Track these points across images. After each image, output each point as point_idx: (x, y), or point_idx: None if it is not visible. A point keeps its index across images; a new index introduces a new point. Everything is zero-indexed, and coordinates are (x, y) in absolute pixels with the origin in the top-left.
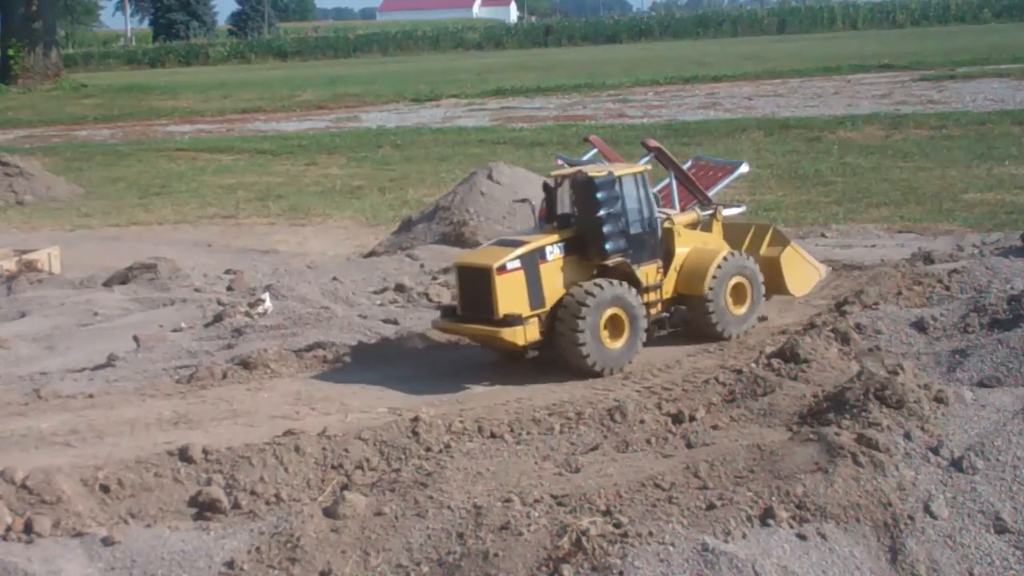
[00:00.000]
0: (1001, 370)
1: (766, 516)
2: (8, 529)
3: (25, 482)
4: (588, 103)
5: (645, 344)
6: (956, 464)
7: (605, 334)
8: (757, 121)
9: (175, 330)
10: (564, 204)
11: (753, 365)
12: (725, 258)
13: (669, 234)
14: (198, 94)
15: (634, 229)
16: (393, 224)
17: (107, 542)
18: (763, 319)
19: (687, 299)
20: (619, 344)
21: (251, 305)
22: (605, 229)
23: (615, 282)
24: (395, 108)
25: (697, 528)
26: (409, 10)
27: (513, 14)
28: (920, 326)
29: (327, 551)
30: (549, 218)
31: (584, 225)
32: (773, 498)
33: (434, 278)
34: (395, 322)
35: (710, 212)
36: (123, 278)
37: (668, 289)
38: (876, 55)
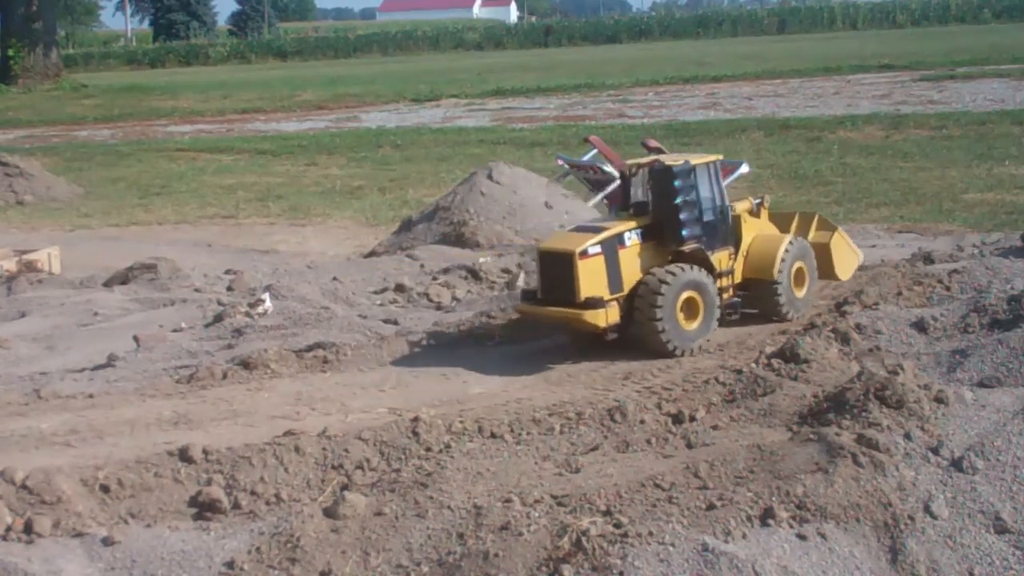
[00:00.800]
0: (1001, 370)
1: (766, 516)
2: (8, 529)
3: (25, 482)
4: (588, 103)
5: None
6: (956, 464)
7: (681, 316)
8: (757, 121)
9: (175, 330)
10: (638, 193)
11: (753, 365)
12: (791, 243)
13: (736, 221)
14: (198, 94)
15: (707, 216)
16: (393, 224)
17: (107, 542)
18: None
19: (755, 283)
20: (694, 326)
21: (251, 305)
22: (682, 216)
23: (690, 266)
24: (395, 108)
25: (697, 528)
26: (409, 10)
27: (513, 14)
28: (920, 326)
29: (327, 551)
30: (623, 206)
31: (661, 212)
32: (773, 498)
33: (434, 278)
34: (395, 322)
35: (758, 201)
36: (123, 278)
37: (737, 274)
38: (876, 55)
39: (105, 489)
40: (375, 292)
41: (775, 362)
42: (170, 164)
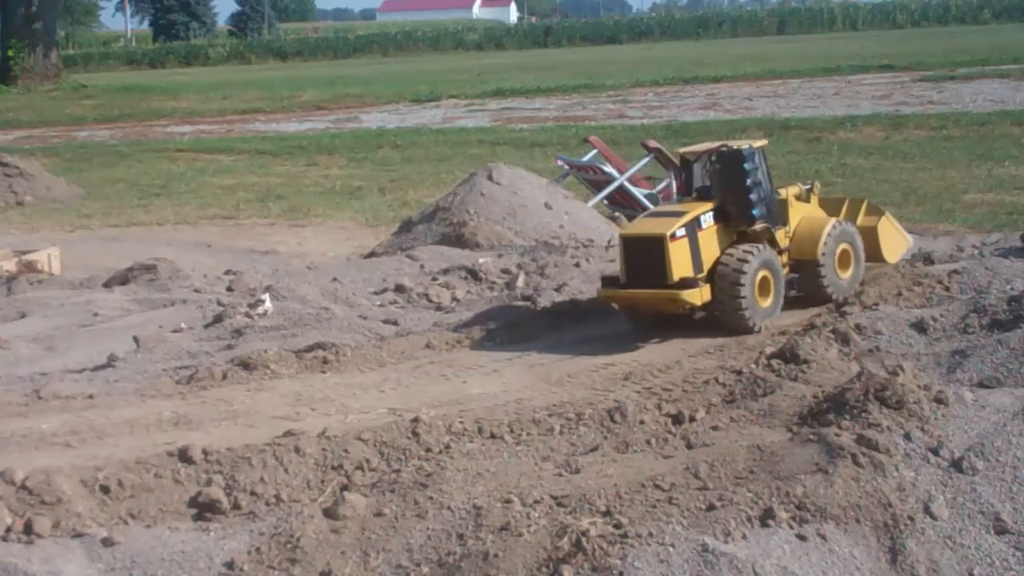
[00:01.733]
0: (1001, 371)
1: (766, 517)
2: (8, 530)
3: (25, 483)
4: (588, 104)
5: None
6: (956, 465)
7: (757, 294)
8: (757, 122)
9: (175, 331)
10: (702, 178)
11: (753, 366)
12: (835, 225)
13: (784, 204)
14: (198, 95)
15: (767, 197)
16: (393, 225)
17: (107, 543)
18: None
19: (800, 264)
20: (768, 302)
21: (251, 306)
22: (752, 197)
23: (763, 246)
24: (395, 109)
25: (697, 529)
26: (409, 11)
27: (513, 15)
28: (920, 327)
29: (327, 552)
30: (687, 191)
31: (729, 195)
32: (773, 499)
33: (434, 279)
34: (395, 323)
35: (808, 186)
36: (123, 279)
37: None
38: (876, 56)
39: (105, 490)
40: (375, 293)
41: (775, 363)
42: (170, 165)
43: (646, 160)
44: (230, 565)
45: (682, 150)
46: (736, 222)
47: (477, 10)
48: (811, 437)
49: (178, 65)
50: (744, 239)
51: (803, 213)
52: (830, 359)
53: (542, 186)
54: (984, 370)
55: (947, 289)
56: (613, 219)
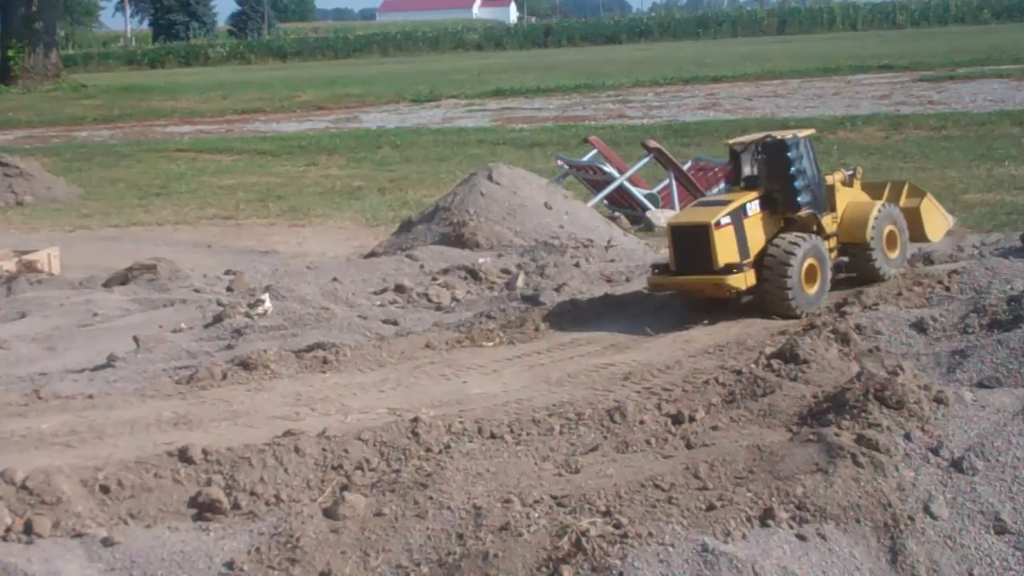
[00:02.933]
0: (1001, 371)
1: (766, 517)
2: (8, 530)
3: (25, 483)
4: (588, 104)
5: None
6: (956, 465)
7: (804, 281)
8: (757, 122)
9: (175, 331)
10: (747, 168)
11: (753, 366)
12: (881, 208)
13: (831, 190)
14: (198, 95)
15: (813, 185)
16: (393, 225)
17: (107, 543)
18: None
19: (850, 247)
20: (814, 289)
21: (251, 306)
22: (797, 184)
23: (811, 235)
24: (395, 109)
25: (697, 529)
26: (409, 11)
27: (513, 15)
28: (920, 327)
29: (327, 552)
30: (735, 181)
31: (776, 183)
32: (773, 499)
33: (434, 279)
34: (395, 323)
35: (851, 172)
36: (123, 279)
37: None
38: (876, 56)
39: (105, 490)
40: (375, 293)
41: (775, 363)
42: (170, 165)
43: (646, 160)
44: (230, 565)
45: (729, 141)
46: (782, 209)
47: (477, 10)
48: (811, 437)
49: (178, 65)
50: (791, 226)
51: (849, 198)
52: (830, 359)
53: (542, 186)
54: (984, 370)
55: (947, 289)
56: (613, 219)
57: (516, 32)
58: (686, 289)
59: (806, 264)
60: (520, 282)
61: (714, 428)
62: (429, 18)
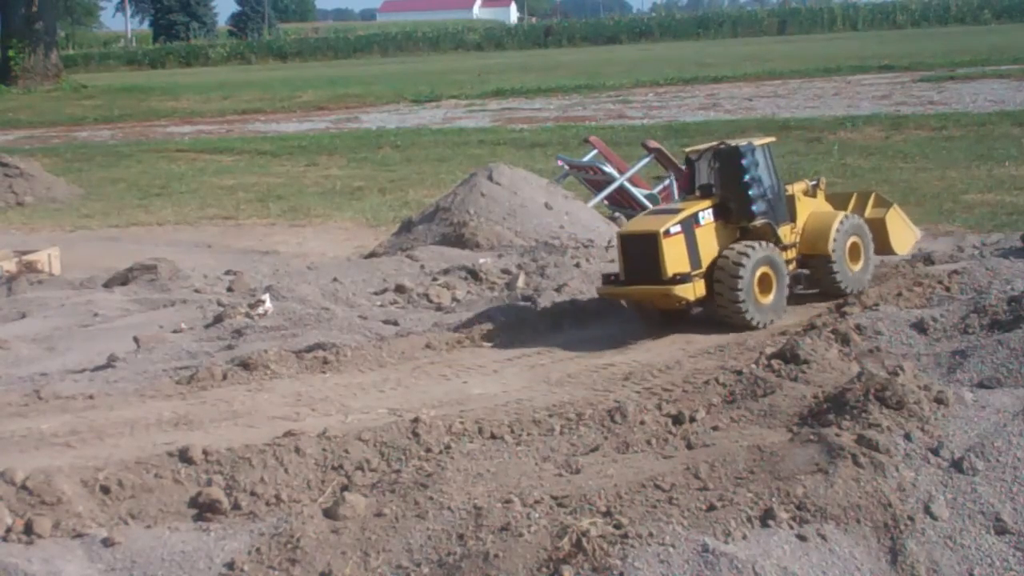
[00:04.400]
0: (1001, 371)
1: (766, 517)
2: (8, 530)
3: (25, 483)
4: (588, 104)
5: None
6: (956, 465)
7: (757, 291)
8: (757, 122)
9: (175, 331)
10: (704, 175)
11: (753, 366)
12: (844, 219)
13: (791, 200)
14: (198, 95)
15: (769, 194)
16: (393, 225)
17: (107, 543)
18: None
19: (811, 259)
20: (769, 300)
21: (251, 306)
22: (751, 193)
23: (764, 243)
24: (395, 109)
25: (697, 529)
26: (409, 11)
27: (513, 15)
28: (920, 327)
29: (327, 552)
30: (690, 189)
31: (730, 191)
32: (773, 499)
33: (434, 279)
34: (395, 323)
35: (814, 182)
36: (123, 279)
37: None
38: (876, 56)
39: (105, 490)
40: (375, 293)
41: (775, 363)
42: (170, 165)
43: (646, 160)
44: (230, 565)
45: (687, 149)
46: (736, 218)
47: (477, 10)
48: (811, 437)
49: (178, 65)
50: (746, 236)
51: (811, 208)
52: (830, 359)
53: (542, 186)
54: (984, 370)
55: (947, 289)
56: (613, 219)
57: (516, 32)
58: (635, 299)
59: (759, 273)
60: (520, 282)
61: (714, 428)
62: (429, 18)
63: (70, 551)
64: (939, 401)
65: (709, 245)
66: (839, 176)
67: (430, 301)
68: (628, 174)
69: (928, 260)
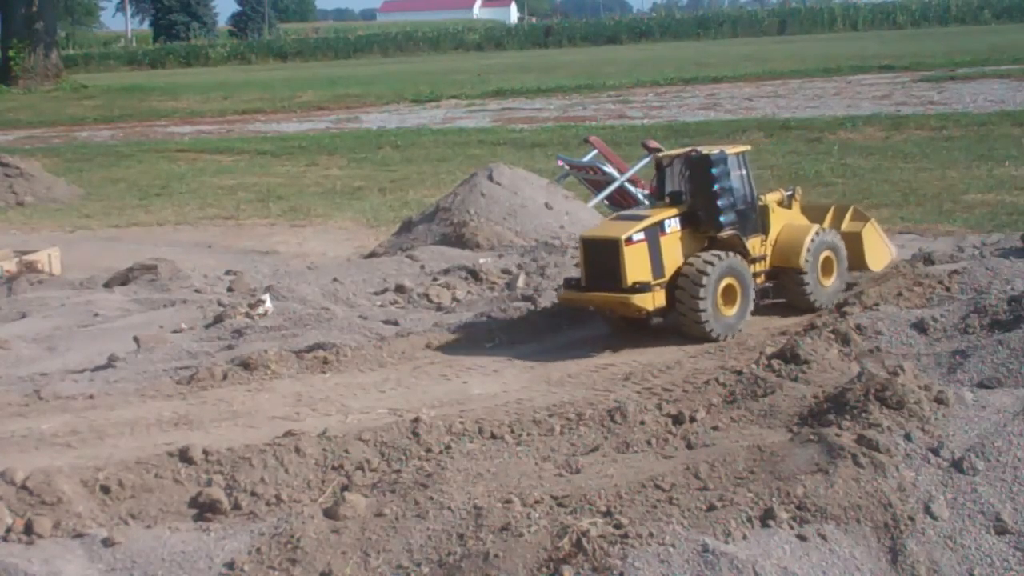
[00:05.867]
0: (1001, 371)
1: (766, 517)
2: (8, 530)
3: (25, 483)
4: (588, 104)
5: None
6: (956, 465)
7: (720, 302)
8: (757, 122)
9: (175, 331)
10: (673, 182)
11: (753, 366)
12: (817, 232)
13: (764, 211)
14: (198, 95)
15: (740, 204)
16: (393, 225)
17: (107, 543)
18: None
19: (783, 272)
20: (732, 312)
21: (251, 306)
22: (719, 203)
23: (729, 253)
24: (395, 109)
25: (697, 529)
26: (409, 11)
27: (513, 15)
28: (920, 327)
29: (327, 552)
30: (659, 195)
31: (699, 200)
32: (773, 499)
33: (434, 279)
34: (395, 323)
35: (790, 192)
36: (123, 279)
37: (766, 263)
38: (876, 56)
39: (105, 490)
40: (375, 293)
41: (775, 363)
42: (170, 165)
43: (646, 160)
44: (230, 565)
45: (660, 154)
46: (704, 228)
47: (477, 10)
48: (811, 437)
49: (178, 65)
50: (715, 246)
51: (785, 220)
52: (830, 359)
53: (542, 186)
54: (984, 370)
55: (948, 289)
56: None
57: (516, 32)
58: (595, 306)
59: (723, 284)
60: (521, 282)
61: (715, 428)
62: (430, 18)
63: (70, 551)
64: (939, 401)
65: (674, 254)
66: (839, 176)
67: (430, 301)
68: (628, 174)
69: (928, 260)
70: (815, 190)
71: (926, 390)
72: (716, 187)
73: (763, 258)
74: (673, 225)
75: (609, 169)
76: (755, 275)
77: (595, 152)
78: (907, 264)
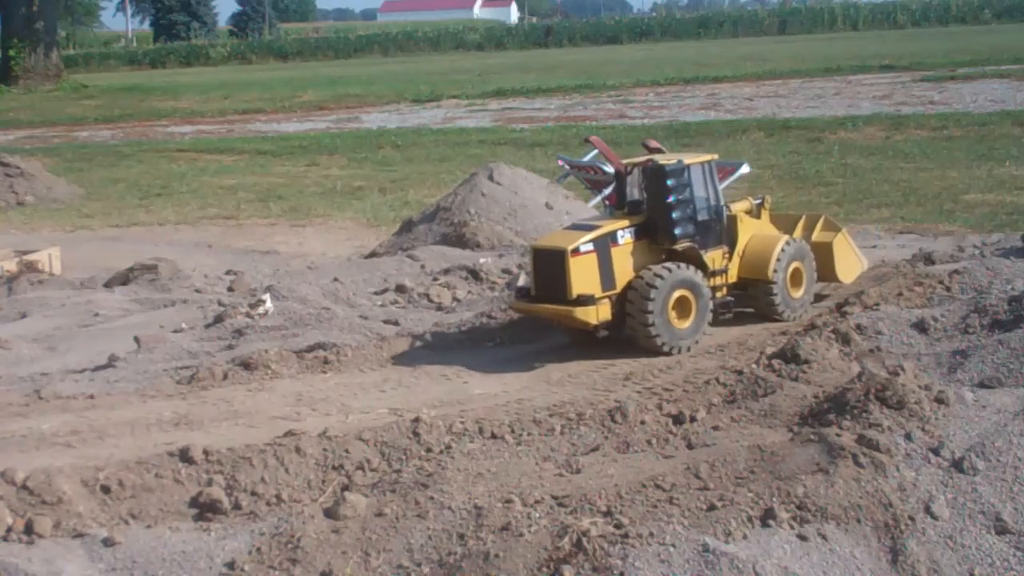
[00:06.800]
0: (1002, 371)
1: (767, 517)
2: (9, 530)
3: (26, 483)
4: (589, 104)
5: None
6: (957, 465)
7: (673, 315)
8: (758, 122)
9: (176, 331)
10: (633, 192)
11: (754, 366)
12: (787, 244)
13: (732, 221)
14: (199, 95)
15: (701, 216)
16: (394, 225)
17: (108, 543)
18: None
19: (751, 283)
20: (686, 324)
21: (252, 306)
22: (674, 215)
23: (683, 265)
24: (396, 109)
25: (698, 529)
26: (410, 11)
27: (514, 15)
28: (921, 327)
29: (328, 552)
30: (619, 205)
31: (654, 211)
32: (774, 499)
33: (435, 279)
34: (396, 323)
35: (758, 201)
36: (124, 279)
37: (732, 274)
38: (877, 56)
39: (106, 490)
40: (376, 293)
41: (776, 363)
42: (171, 165)
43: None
44: (231, 565)
45: (624, 160)
46: (660, 240)
47: (478, 10)
48: (812, 437)
49: (179, 65)
50: (672, 257)
51: (753, 231)
52: (831, 359)
53: (543, 186)
54: (985, 370)
55: (948, 289)
56: None
57: (517, 32)
58: (544, 317)
59: (675, 297)
60: (521, 282)
61: (715, 428)
62: (430, 18)
63: (71, 551)
64: (940, 401)
65: (625, 266)
66: (840, 176)
67: (430, 301)
68: None
69: (928, 260)
70: (815, 190)
71: (926, 390)
72: (672, 199)
73: (724, 271)
74: (626, 236)
75: (609, 169)
76: (716, 288)
77: (595, 152)
78: (907, 264)
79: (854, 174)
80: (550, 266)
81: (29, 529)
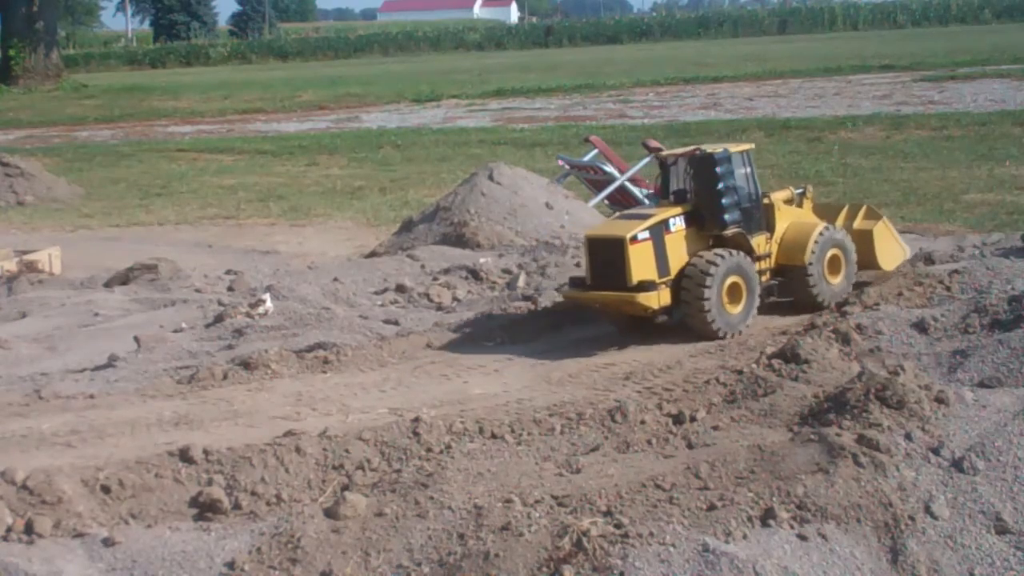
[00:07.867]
0: (1002, 371)
1: (767, 517)
2: (9, 530)
3: (26, 483)
4: (589, 104)
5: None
6: (957, 465)
7: (726, 300)
8: (758, 122)
9: (176, 331)
10: (678, 181)
11: (754, 366)
12: (823, 231)
13: (770, 209)
14: (199, 95)
15: (745, 202)
16: (394, 225)
17: (108, 543)
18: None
19: (788, 270)
20: (738, 309)
21: (252, 306)
22: (723, 202)
23: (733, 252)
24: (396, 108)
25: (698, 529)
26: (410, 11)
27: (514, 15)
28: (921, 327)
29: (328, 552)
30: (663, 194)
31: (703, 199)
32: (774, 499)
33: (435, 279)
34: (396, 323)
35: (800, 191)
36: (124, 279)
37: (773, 259)
38: (877, 56)
39: (106, 489)
40: (376, 293)
41: (776, 362)
42: (171, 165)
43: (646, 160)
44: (231, 565)
45: (662, 153)
46: (709, 227)
47: (478, 10)
48: (812, 437)
49: (179, 65)
50: (719, 244)
51: (791, 218)
52: (831, 359)
53: (543, 186)
54: (985, 370)
55: (948, 289)
56: None
57: (517, 32)
58: (601, 305)
59: (728, 282)
60: (521, 282)
61: (715, 428)
62: (430, 18)
63: (71, 551)
64: (940, 401)
65: (679, 252)
66: (840, 176)
67: (431, 301)
68: (629, 174)
69: (928, 260)
70: (816, 190)
71: (926, 390)
72: (720, 186)
73: (768, 256)
74: (678, 224)
75: (610, 169)
76: (760, 273)
77: (595, 152)
78: (907, 264)
79: (854, 174)
80: (608, 254)
81: (29, 529)
